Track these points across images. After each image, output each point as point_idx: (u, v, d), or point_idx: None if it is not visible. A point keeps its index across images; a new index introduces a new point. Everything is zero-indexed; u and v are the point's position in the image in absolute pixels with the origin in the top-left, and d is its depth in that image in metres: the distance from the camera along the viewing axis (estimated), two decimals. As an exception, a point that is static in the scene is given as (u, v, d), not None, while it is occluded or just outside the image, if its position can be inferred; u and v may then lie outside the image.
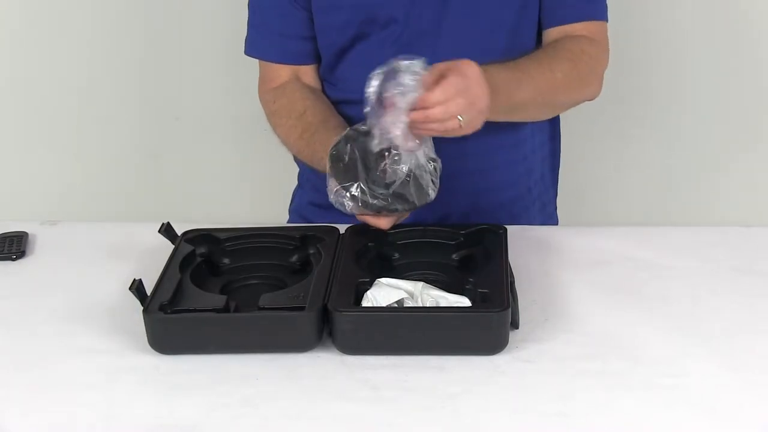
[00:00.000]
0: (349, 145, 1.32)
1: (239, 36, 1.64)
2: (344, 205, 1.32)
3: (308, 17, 1.55)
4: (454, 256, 1.38)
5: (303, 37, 1.56)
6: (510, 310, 1.22)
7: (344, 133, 1.34)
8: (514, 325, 1.26)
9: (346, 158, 1.31)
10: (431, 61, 1.27)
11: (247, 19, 1.61)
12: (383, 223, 1.34)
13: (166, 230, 1.42)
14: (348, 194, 1.31)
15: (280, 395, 1.17)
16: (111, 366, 1.24)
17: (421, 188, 1.31)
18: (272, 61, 1.61)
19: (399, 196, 1.31)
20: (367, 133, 1.31)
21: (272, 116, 1.59)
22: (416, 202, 1.32)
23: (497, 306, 1.21)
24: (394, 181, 1.30)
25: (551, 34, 1.55)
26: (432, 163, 1.32)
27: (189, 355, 1.24)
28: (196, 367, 1.22)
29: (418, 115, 1.25)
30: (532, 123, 1.61)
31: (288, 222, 1.73)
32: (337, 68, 1.58)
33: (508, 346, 1.22)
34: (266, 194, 2.02)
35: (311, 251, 1.40)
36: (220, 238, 1.43)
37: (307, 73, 1.60)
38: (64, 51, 2.32)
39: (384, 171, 1.30)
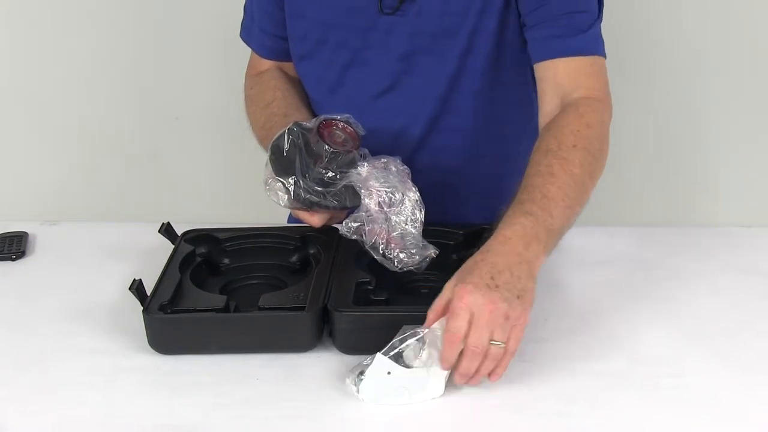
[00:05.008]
0: (291, 139, 1.32)
1: (239, 36, 1.64)
2: (277, 197, 1.32)
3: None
4: (454, 256, 1.38)
5: (282, 37, 1.56)
6: (510, 310, 1.22)
7: (287, 126, 1.33)
8: (515, 325, 1.25)
9: (286, 152, 1.31)
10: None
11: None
12: (315, 220, 1.34)
13: (166, 230, 1.43)
14: (282, 186, 1.31)
15: (280, 395, 1.17)
16: (111, 366, 1.24)
17: (356, 194, 1.30)
18: (255, 52, 1.63)
19: (334, 195, 1.31)
20: (310, 130, 1.32)
21: (246, 101, 1.61)
22: (348, 204, 1.31)
23: (497, 306, 1.21)
24: (331, 183, 1.30)
25: (539, 72, 1.41)
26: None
27: (189, 355, 1.24)
28: (196, 367, 1.22)
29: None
30: (523, 133, 1.55)
31: (288, 222, 1.72)
32: (297, 68, 1.59)
33: (508, 346, 1.22)
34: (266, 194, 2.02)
35: (311, 251, 1.40)
36: (220, 238, 1.43)
37: (291, 67, 1.61)
38: (64, 51, 2.32)
39: (325, 168, 1.30)
